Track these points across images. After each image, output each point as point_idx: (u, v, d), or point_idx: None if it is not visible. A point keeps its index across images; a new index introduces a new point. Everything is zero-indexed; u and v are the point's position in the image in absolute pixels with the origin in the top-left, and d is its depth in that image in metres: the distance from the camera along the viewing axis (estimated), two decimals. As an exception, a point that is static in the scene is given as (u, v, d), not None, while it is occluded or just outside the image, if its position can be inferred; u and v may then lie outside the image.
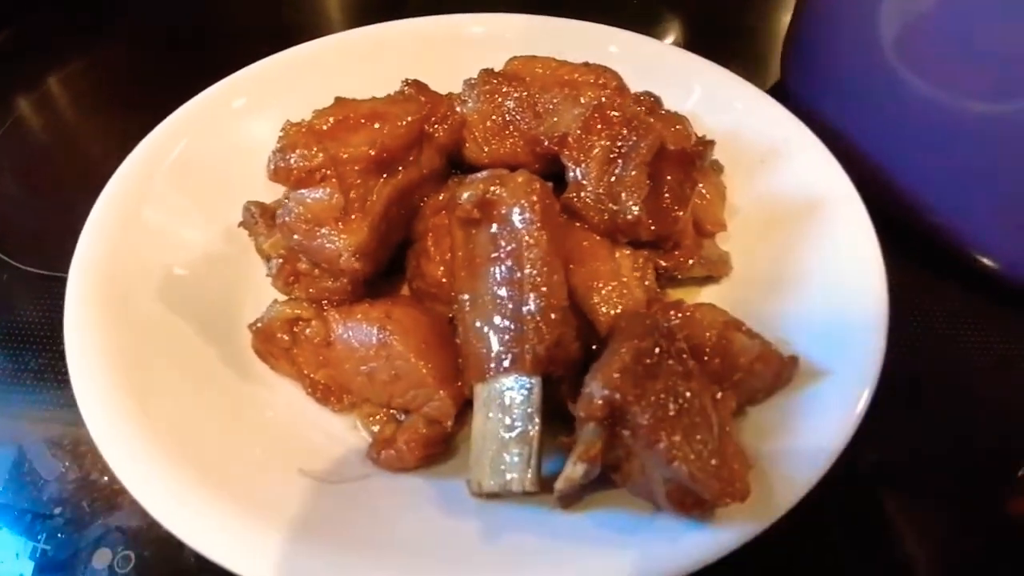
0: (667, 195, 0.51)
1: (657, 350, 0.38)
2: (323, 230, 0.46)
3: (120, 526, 0.51)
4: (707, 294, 0.57)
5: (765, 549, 0.38)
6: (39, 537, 0.51)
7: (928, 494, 0.52)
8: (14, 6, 0.97)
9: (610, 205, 0.51)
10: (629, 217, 0.50)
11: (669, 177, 0.51)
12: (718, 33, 0.96)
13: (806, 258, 0.54)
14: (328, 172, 0.45)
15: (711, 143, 0.53)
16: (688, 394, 0.37)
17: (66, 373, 0.58)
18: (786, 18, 0.78)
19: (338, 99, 0.49)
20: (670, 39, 0.94)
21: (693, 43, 0.92)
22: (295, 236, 0.47)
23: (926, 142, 0.58)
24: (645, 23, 0.93)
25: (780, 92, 0.69)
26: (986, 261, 0.61)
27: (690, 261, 0.54)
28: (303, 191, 0.46)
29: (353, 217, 0.46)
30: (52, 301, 0.64)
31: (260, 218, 0.55)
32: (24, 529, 0.51)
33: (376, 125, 0.48)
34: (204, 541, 0.40)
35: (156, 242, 0.55)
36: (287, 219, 0.47)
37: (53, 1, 0.99)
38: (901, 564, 0.49)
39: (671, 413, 0.36)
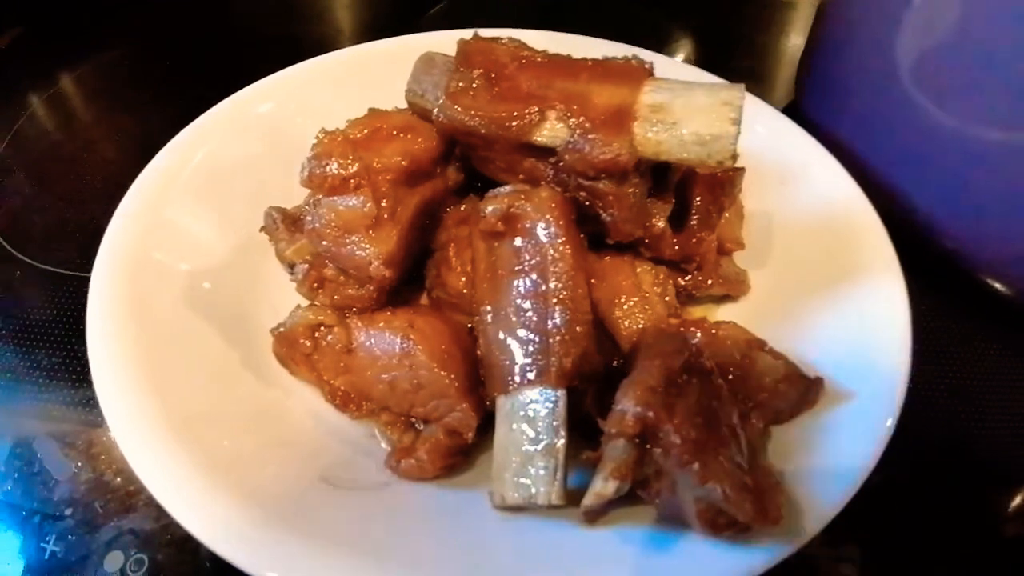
0: (695, 217, 0.52)
1: (687, 369, 0.38)
2: (353, 237, 0.46)
3: (133, 528, 0.50)
4: (723, 312, 0.57)
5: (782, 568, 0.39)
6: (48, 538, 0.50)
7: (942, 516, 0.52)
8: (28, 3, 0.96)
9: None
10: (654, 228, 0.51)
11: (698, 199, 0.52)
12: (729, 51, 0.96)
13: (825, 278, 0.54)
14: (362, 181, 0.45)
15: (741, 170, 0.53)
16: (719, 414, 0.37)
17: (80, 372, 0.58)
18: (798, 36, 0.78)
19: (371, 110, 0.50)
20: (680, 56, 0.94)
21: (703, 61, 0.92)
22: (324, 242, 0.47)
23: (941, 167, 0.59)
24: (656, 41, 0.94)
25: (793, 112, 0.70)
26: (999, 286, 0.62)
27: (709, 280, 0.55)
28: (335, 198, 0.46)
29: (384, 226, 0.46)
30: (66, 299, 0.64)
31: (282, 223, 0.55)
32: (33, 530, 0.51)
33: (409, 137, 0.49)
34: (224, 544, 0.40)
35: (178, 246, 0.55)
36: (316, 225, 0.47)
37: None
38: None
39: (704, 433, 0.36)
